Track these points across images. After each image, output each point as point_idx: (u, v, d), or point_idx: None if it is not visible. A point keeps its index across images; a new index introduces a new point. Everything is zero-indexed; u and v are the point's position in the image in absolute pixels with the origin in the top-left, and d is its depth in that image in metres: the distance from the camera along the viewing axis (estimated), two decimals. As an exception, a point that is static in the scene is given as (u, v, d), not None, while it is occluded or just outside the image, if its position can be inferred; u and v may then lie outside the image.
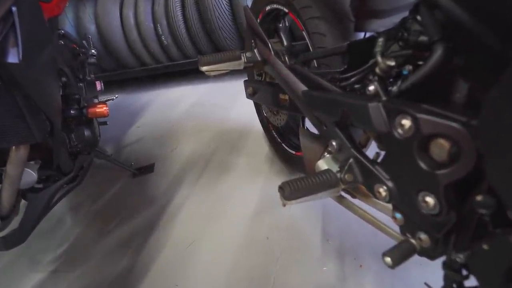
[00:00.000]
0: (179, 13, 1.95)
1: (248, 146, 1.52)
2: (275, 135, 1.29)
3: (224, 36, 1.88)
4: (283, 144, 1.25)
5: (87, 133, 1.11)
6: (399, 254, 0.44)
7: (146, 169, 1.52)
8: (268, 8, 1.03)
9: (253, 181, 1.28)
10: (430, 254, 0.46)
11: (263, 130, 1.39)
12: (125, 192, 1.42)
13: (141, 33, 2.07)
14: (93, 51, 1.57)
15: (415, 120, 0.40)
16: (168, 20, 2.00)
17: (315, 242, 0.98)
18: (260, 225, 1.08)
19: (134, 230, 1.20)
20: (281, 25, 1.10)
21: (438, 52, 0.42)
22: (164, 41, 2.07)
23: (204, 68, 0.86)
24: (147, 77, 2.56)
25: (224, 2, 1.84)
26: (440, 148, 0.38)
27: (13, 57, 0.70)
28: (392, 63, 0.47)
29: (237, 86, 1.57)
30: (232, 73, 1.66)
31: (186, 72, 2.34)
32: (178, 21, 1.97)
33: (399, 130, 0.42)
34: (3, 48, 0.68)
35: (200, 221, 1.16)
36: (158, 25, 2.04)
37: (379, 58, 0.49)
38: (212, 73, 0.88)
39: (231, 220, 1.13)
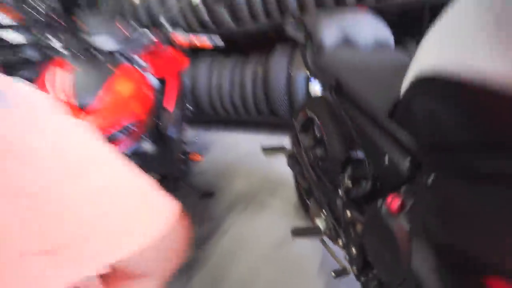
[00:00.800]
0: (249, 84, 2.68)
1: (283, 194, 2.08)
2: (301, 191, 1.85)
3: (282, 111, 2.56)
4: (306, 199, 1.80)
5: (185, 168, 1.80)
6: (339, 273, 0.98)
7: (209, 194, 2.16)
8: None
9: (282, 220, 1.85)
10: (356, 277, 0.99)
11: (294, 185, 1.96)
12: (194, 208, 2.07)
13: (221, 96, 2.83)
14: (190, 107, 2.33)
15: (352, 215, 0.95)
16: (240, 89, 2.74)
17: (318, 274, 1.50)
18: (284, 251, 1.62)
19: (195, 237, 1.81)
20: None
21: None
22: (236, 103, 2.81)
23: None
24: (215, 120, 3.31)
25: (283, 83, 2.52)
26: (357, 227, 0.93)
27: (171, 132, 1.40)
28: (350, 186, 1.03)
29: (284, 141, 2.15)
30: (283, 130, 2.34)
31: (247, 123, 3.04)
32: (248, 90, 2.69)
33: (345, 217, 0.98)
34: (167, 125, 1.38)
35: (240, 241, 1.74)
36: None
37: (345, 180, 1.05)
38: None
39: (262, 244, 1.69)
